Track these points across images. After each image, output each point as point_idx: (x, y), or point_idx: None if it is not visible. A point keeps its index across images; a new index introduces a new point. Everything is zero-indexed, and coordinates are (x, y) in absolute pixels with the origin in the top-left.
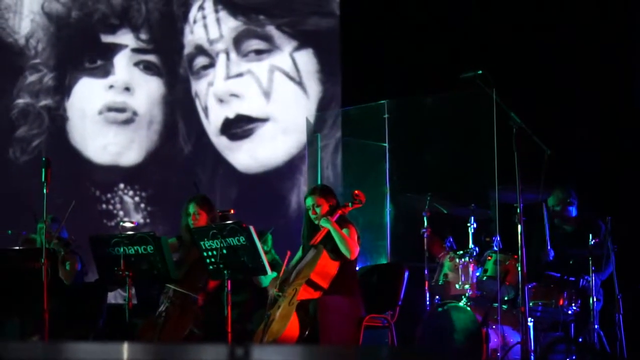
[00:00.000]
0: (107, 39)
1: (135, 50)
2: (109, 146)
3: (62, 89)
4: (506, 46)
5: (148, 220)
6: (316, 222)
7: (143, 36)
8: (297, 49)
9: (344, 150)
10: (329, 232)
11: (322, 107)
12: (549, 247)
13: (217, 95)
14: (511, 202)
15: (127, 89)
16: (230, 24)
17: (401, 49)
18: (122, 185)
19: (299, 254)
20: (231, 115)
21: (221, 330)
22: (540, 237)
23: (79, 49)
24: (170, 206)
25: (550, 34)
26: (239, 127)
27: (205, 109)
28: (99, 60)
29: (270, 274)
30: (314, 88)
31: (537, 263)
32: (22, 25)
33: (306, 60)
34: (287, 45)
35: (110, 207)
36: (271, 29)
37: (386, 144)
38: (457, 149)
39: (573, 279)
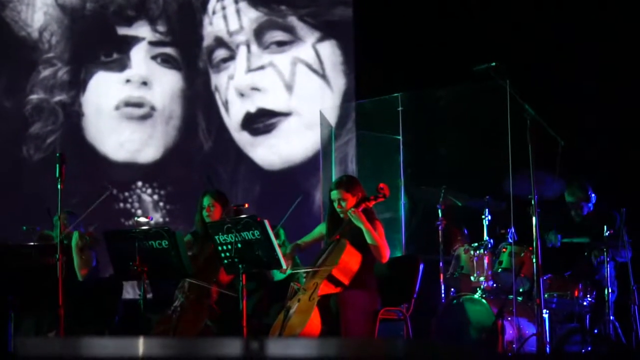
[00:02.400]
0: (123, 31)
1: (153, 43)
2: (126, 143)
3: (77, 84)
4: (520, 38)
5: (167, 219)
6: (342, 215)
7: (160, 28)
8: (320, 40)
9: (359, 144)
10: (352, 226)
11: (347, 99)
12: (557, 235)
13: (238, 89)
14: (525, 193)
15: (145, 83)
16: (251, 15)
17: (415, 42)
18: (140, 183)
19: (316, 231)
20: (252, 110)
21: (237, 325)
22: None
23: (94, 42)
24: (191, 204)
25: (564, 24)
26: (261, 121)
27: (226, 104)
28: (115, 53)
29: (284, 267)
30: (338, 81)
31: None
32: (35, 18)
33: (329, 52)
34: (309, 36)
35: (128, 205)
36: (293, 20)
37: (400, 137)
38: (471, 141)
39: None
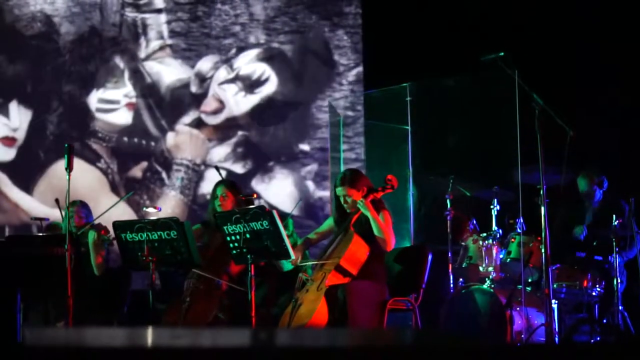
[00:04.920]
0: (133, 17)
1: (163, 34)
2: (135, 133)
3: (87, 74)
4: (528, 27)
5: (177, 210)
6: (349, 211)
7: (170, 18)
8: (329, 30)
9: (367, 134)
10: (359, 217)
11: (355, 89)
12: (584, 226)
13: (247, 78)
14: (534, 183)
15: (154, 72)
16: (260, 4)
17: (423, 31)
18: (149, 174)
19: (325, 224)
20: (261, 100)
21: (246, 315)
22: (561, 219)
23: (104, 30)
24: (200, 195)
25: (572, 13)
26: (270, 112)
27: (235, 94)
28: (124, 42)
29: (293, 258)
30: (347, 70)
31: (560, 244)
32: (45, 7)
33: (338, 42)
34: (318, 26)
35: (137, 196)
36: (302, 9)
37: (409, 127)
38: (479, 131)
39: (600, 257)
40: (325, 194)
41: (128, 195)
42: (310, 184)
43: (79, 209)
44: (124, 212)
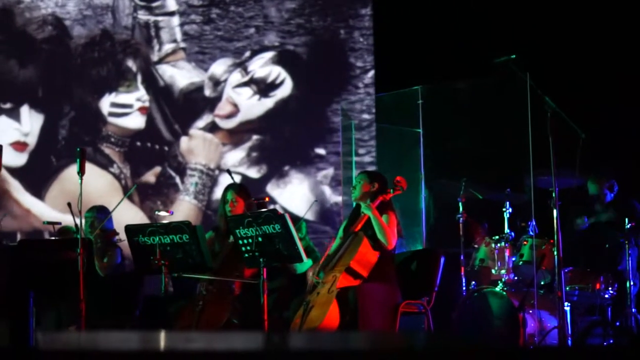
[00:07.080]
0: (145, 20)
1: (176, 36)
2: (148, 136)
3: (99, 77)
4: (540, 30)
5: (191, 215)
6: (353, 199)
7: (183, 20)
8: (340, 33)
9: (379, 137)
10: (370, 219)
11: (367, 93)
12: (585, 217)
13: (262, 81)
14: (546, 186)
15: (167, 76)
16: (274, 6)
17: (435, 34)
18: (162, 179)
19: (338, 239)
20: (273, 104)
21: (258, 319)
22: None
23: (116, 33)
24: (215, 200)
25: (584, 16)
26: (281, 115)
27: (250, 97)
28: (136, 45)
29: (306, 260)
30: (358, 74)
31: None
32: (56, 10)
33: (349, 44)
34: (329, 29)
35: (150, 201)
36: (317, 11)
37: (420, 130)
38: (491, 134)
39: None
40: (337, 196)
41: (132, 189)
42: (326, 189)
43: (96, 214)
44: (136, 216)
